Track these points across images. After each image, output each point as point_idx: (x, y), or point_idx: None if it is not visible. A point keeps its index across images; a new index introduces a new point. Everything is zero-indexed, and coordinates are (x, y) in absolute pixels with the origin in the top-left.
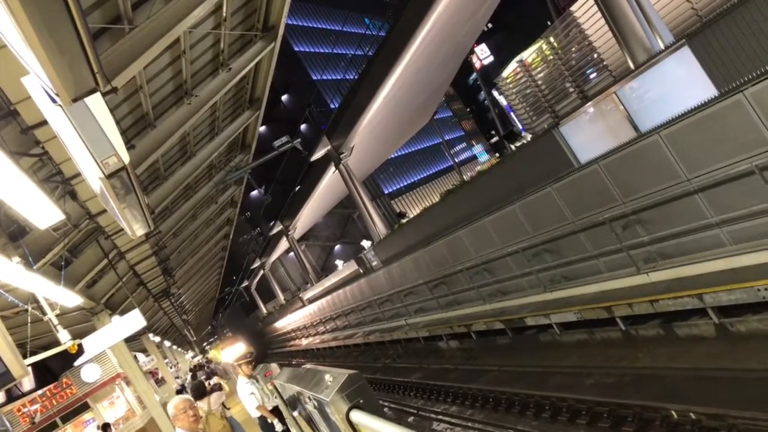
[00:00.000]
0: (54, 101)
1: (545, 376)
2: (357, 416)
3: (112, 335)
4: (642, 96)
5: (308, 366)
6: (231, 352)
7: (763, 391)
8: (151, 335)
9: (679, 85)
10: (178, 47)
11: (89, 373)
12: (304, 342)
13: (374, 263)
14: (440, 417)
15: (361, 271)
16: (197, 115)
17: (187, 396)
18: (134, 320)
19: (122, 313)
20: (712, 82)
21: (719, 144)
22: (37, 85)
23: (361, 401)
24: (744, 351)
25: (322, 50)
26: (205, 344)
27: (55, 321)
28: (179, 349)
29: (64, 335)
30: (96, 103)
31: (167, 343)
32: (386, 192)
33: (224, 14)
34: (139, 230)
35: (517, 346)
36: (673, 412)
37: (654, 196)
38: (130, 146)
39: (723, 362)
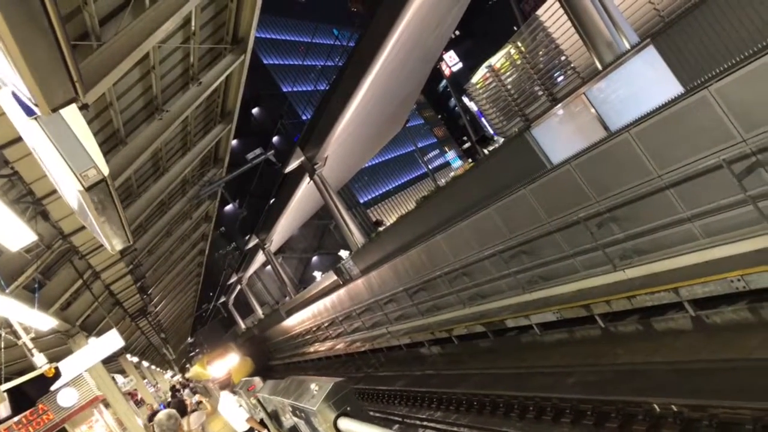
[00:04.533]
0: (30, 114)
1: (528, 376)
2: (345, 424)
3: (89, 357)
4: (611, 96)
5: (292, 377)
6: (222, 365)
7: (740, 380)
8: (128, 356)
9: (646, 83)
10: (148, 62)
11: (66, 397)
12: (286, 354)
13: (353, 273)
14: (425, 423)
15: (340, 281)
16: (169, 131)
17: (171, 411)
18: (112, 341)
19: (99, 334)
20: (677, 80)
21: (688, 140)
22: (11, 99)
23: (349, 408)
24: (720, 342)
25: (291, 62)
26: (183, 361)
27: (30, 345)
28: (158, 369)
29: (40, 359)
30: (72, 114)
31: (145, 363)
32: (362, 201)
33: (193, 28)
34: (117, 245)
35: (498, 349)
36: (656, 406)
37: (627, 193)
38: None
39: (701, 354)
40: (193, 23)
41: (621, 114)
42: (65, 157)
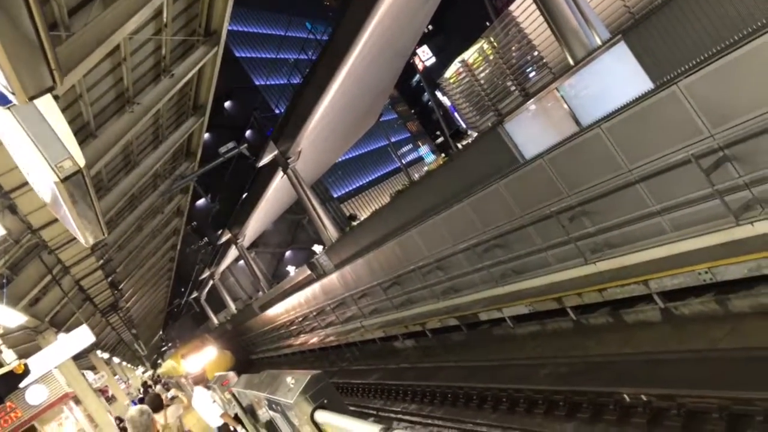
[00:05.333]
0: (5, 103)
1: (501, 369)
2: (322, 416)
3: (59, 353)
4: (582, 91)
5: (268, 371)
6: (198, 360)
7: (707, 370)
8: (99, 352)
9: (617, 79)
10: (119, 54)
11: (35, 394)
12: (260, 349)
13: (327, 267)
14: (400, 416)
15: (314, 276)
16: (140, 123)
17: (143, 407)
18: (82, 336)
19: (69, 330)
20: (647, 75)
21: (657, 135)
22: None
23: (326, 401)
24: (688, 333)
25: (264, 55)
26: (155, 357)
27: None
28: (129, 365)
29: (8, 355)
30: (47, 104)
31: (116, 360)
32: (335, 196)
33: (165, 20)
34: (91, 238)
35: (471, 341)
36: (626, 396)
37: (598, 187)
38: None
39: (670, 345)
40: (164, 15)
41: (592, 109)
42: (40, 147)
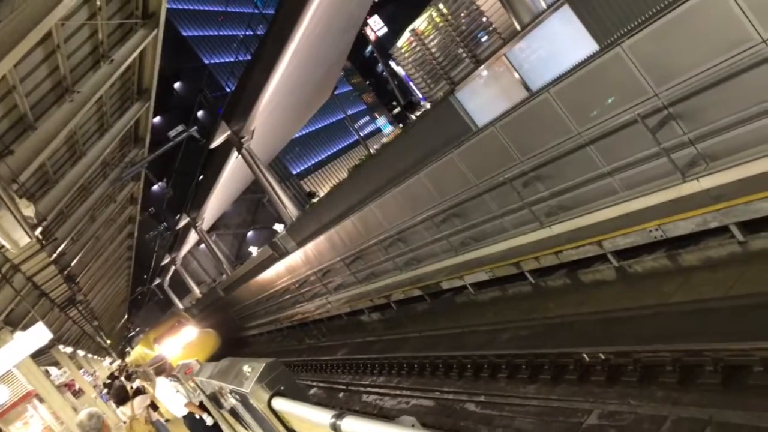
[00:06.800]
0: None
1: (464, 336)
2: (279, 403)
3: (15, 353)
4: (531, 56)
5: (228, 358)
6: (175, 343)
7: (660, 325)
8: (61, 347)
9: (563, 43)
10: (52, 41)
11: None
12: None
13: (289, 246)
14: (369, 389)
15: (276, 255)
16: (82, 112)
17: (92, 410)
18: (38, 335)
19: (25, 327)
20: (593, 38)
21: (604, 96)
22: None
23: (282, 388)
24: (642, 289)
25: (211, 33)
26: (121, 346)
27: None
28: (96, 357)
29: None
30: None
31: (81, 353)
32: (294, 172)
33: (98, 3)
34: (21, 240)
35: (435, 311)
36: (585, 355)
37: (549, 152)
38: (8, 152)
39: (624, 302)
40: None
41: (541, 74)
42: None
